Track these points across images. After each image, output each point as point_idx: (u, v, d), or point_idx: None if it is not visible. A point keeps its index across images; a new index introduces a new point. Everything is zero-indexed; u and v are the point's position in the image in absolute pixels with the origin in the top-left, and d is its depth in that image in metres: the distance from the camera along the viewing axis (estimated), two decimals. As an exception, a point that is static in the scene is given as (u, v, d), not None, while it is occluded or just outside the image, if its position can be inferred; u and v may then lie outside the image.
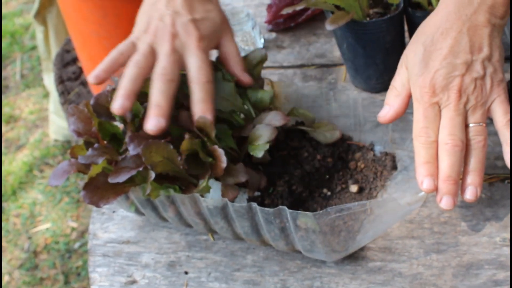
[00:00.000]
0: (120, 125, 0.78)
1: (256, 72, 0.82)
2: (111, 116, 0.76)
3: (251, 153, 0.74)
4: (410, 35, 0.88)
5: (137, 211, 0.81)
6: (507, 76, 0.88)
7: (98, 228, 0.85)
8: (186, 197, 0.70)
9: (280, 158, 0.80)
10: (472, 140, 0.67)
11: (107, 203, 0.69)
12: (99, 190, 0.70)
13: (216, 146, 0.71)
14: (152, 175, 0.68)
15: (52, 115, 2.16)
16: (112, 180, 0.69)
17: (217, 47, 0.81)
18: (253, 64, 0.82)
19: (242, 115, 0.80)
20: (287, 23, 1.10)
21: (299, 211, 0.64)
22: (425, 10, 0.84)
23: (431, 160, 0.66)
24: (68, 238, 1.93)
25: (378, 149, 0.81)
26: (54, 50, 1.94)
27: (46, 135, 2.30)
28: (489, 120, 0.69)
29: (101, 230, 0.85)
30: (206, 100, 0.74)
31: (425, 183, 0.65)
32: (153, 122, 0.71)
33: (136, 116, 0.75)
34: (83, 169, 0.73)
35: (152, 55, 0.76)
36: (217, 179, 0.72)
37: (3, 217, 2.04)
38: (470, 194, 0.66)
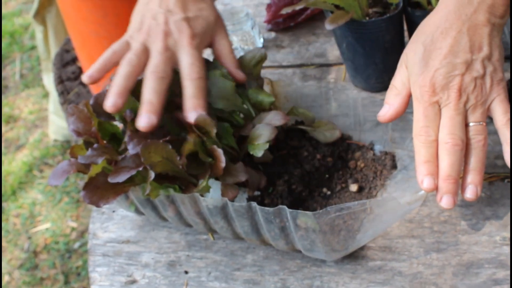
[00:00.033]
0: (119, 125, 0.78)
1: (256, 72, 0.82)
2: (110, 116, 0.76)
3: (251, 153, 0.74)
4: (410, 35, 0.88)
5: (137, 211, 0.81)
6: (507, 75, 0.88)
7: (98, 227, 0.85)
8: (186, 197, 0.70)
9: (279, 158, 0.80)
10: (472, 139, 0.67)
11: (107, 203, 0.69)
12: (99, 190, 0.70)
13: (215, 146, 0.71)
14: (152, 175, 0.68)
15: (52, 115, 2.16)
16: (111, 180, 0.69)
17: (211, 45, 0.82)
18: (252, 64, 0.82)
19: (241, 115, 0.80)
20: (287, 22, 1.10)
21: (299, 211, 0.64)
22: (425, 10, 0.84)
23: (431, 159, 0.66)
24: (68, 238, 1.93)
25: (378, 148, 0.81)
26: (54, 50, 1.94)
27: (46, 135, 2.30)
28: (489, 119, 0.69)
29: (101, 229, 0.85)
30: (197, 95, 0.75)
31: (425, 182, 0.65)
32: (145, 119, 0.72)
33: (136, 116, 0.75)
34: (83, 169, 0.73)
35: (145, 54, 0.77)
36: (217, 178, 0.72)
37: (3, 217, 2.04)
38: (470, 193, 0.66)
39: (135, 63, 0.76)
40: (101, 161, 0.70)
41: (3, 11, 2.93)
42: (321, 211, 0.64)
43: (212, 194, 0.75)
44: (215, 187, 0.74)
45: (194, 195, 0.69)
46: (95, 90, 1.46)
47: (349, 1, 0.82)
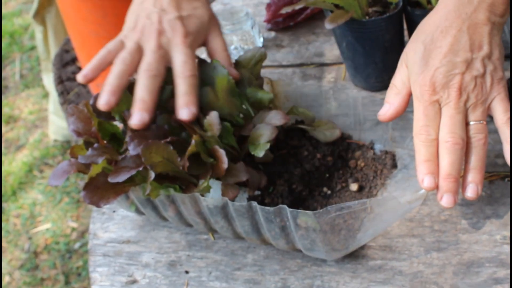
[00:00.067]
0: (120, 125, 0.78)
1: (255, 71, 0.82)
2: (110, 116, 0.76)
3: (252, 153, 0.74)
4: (410, 34, 0.88)
5: (137, 211, 0.81)
6: (507, 74, 0.88)
7: (98, 228, 0.85)
8: (186, 197, 0.70)
9: (280, 157, 0.80)
10: (473, 138, 0.67)
11: (107, 203, 0.69)
12: (99, 190, 0.70)
13: (217, 147, 0.71)
14: (152, 175, 0.68)
15: (52, 115, 2.16)
16: (112, 180, 0.69)
17: (205, 43, 0.83)
18: (252, 63, 0.82)
19: (241, 115, 0.80)
20: (286, 22, 1.10)
21: (299, 210, 0.64)
22: (424, 9, 0.84)
23: (432, 158, 0.66)
24: (69, 238, 1.93)
25: (378, 147, 0.81)
26: (53, 50, 1.94)
27: (46, 135, 2.30)
28: (489, 118, 0.69)
29: (102, 230, 0.84)
30: (189, 92, 0.75)
31: (426, 181, 0.65)
32: (137, 117, 0.73)
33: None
34: (83, 169, 0.73)
35: (138, 52, 0.77)
36: (217, 178, 0.72)
37: (3, 217, 2.04)
38: (471, 192, 0.66)
39: (129, 62, 0.76)
40: (101, 161, 0.70)
41: (3, 11, 2.93)
42: (321, 210, 0.64)
43: (213, 194, 0.75)
44: (215, 186, 0.74)
45: (194, 195, 0.69)
46: (95, 90, 1.46)
47: (349, 1, 0.82)
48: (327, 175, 0.80)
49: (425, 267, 0.71)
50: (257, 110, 0.79)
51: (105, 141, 0.76)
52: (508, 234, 0.71)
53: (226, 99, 0.77)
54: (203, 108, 0.76)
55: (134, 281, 0.77)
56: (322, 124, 0.82)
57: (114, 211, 0.86)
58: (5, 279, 1.86)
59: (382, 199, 0.67)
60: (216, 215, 0.71)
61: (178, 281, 0.76)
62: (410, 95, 0.71)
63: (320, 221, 0.65)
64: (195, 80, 0.76)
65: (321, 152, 0.81)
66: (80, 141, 0.76)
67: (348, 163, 0.81)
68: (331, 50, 1.04)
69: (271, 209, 0.66)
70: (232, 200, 0.71)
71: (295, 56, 1.05)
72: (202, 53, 0.95)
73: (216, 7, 1.21)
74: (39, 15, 1.90)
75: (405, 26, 0.89)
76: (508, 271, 0.68)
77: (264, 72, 1.00)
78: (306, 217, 0.65)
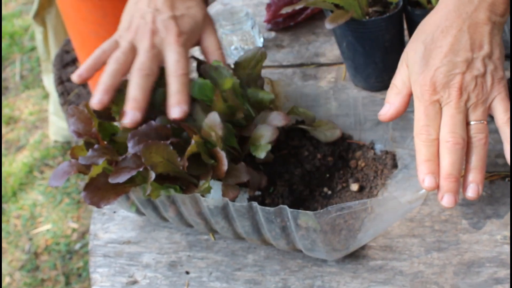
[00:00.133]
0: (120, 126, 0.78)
1: (256, 72, 0.82)
2: (111, 117, 0.77)
3: (254, 154, 0.74)
4: (410, 34, 0.88)
5: (138, 211, 0.81)
6: (508, 74, 0.88)
7: (99, 228, 0.85)
8: (187, 197, 0.70)
9: (280, 157, 0.80)
10: (473, 137, 0.67)
11: (107, 203, 0.69)
12: (99, 191, 0.70)
13: (218, 148, 0.71)
14: (153, 175, 0.68)
15: (52, 116, 2.16)
16: (112, 180, 0.69)
17: (199, 42, 0.84)
18: (252, 63, 0.82)
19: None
20: (287, 22, 1.10)
21: (300, 210, 0.64)
22: (425, 9, 0.84)
23: (432, 158, 0.66)
24: (69, 239, 1.93)
25: (378, 147, 0.81)
26: (54, 51, 1.94)
27: (46, 136, 2.29)
28: (489, 118, 0.69)
29: (102, 230, 0.84)
30: (181, 91, 0.75)
31: (427, 181, 0.65)
32: (129, 116, 0.73)
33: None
34: (84, 169, 0.73)
35: (132, 52, 0.78)
36: (218, 179, 0.72)
37: (4, 218, 2.04)
38: (472, 191, 0.66)
39: (122, 61, 0.77)
40: (101, 161, 0.70)
41: (3, 12, 2.93)
42: (322, 210, 0.64)
43: (213, 194, 0.75)
44: (216, 187, 0.74)
45: (195, 195, 0.69)
46: (95, 91, 1.46)
47: (349, 0, 0.82)
48: (328, 175, 0.80)
49: (426, 267, 0.71)
50: (257, 110, 0.79)
51: (105, 142, 0.76)
52: (509, 234, 0.71)
53: (232, 100, 0.77)
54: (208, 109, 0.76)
55: (135, 282, 0.77)
56: (322, 124, 0.82)
57: (114, 212, 0.86)
58: (6, 280, 1.86)
59: (383, 199, 0.67)
60: (216, 216, 0.71)
61: (179, 282, 0.76)
62: (410, 95, 0.71)
63: (321, 221, 0.65)
64: (188, 79, 0.77)
65: (321, 152, 0.80)
66: (81, 142, 0.76)
67: (349, 163, 0.81)
68: (331, 50, 1.03)
69: (271, 209, 0.66)
70: (233, 200, 0.71)
71: (295, 56, 1.05)
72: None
73: (216, 7, 1.21)
74: (39, 16, 1.90)
75: (405, 26, 0.89)
76: (509, 271, 0.68)
77: (264, 72, 1.00)
78: (306, 217, 0.65)
